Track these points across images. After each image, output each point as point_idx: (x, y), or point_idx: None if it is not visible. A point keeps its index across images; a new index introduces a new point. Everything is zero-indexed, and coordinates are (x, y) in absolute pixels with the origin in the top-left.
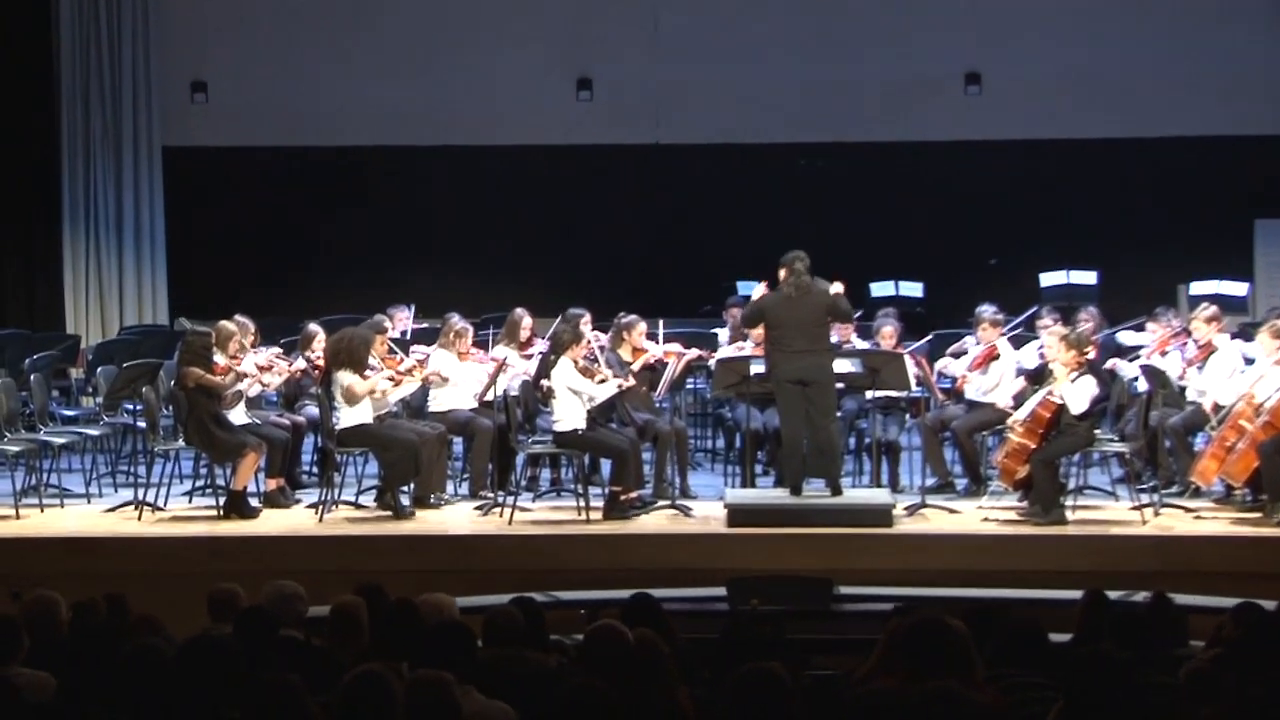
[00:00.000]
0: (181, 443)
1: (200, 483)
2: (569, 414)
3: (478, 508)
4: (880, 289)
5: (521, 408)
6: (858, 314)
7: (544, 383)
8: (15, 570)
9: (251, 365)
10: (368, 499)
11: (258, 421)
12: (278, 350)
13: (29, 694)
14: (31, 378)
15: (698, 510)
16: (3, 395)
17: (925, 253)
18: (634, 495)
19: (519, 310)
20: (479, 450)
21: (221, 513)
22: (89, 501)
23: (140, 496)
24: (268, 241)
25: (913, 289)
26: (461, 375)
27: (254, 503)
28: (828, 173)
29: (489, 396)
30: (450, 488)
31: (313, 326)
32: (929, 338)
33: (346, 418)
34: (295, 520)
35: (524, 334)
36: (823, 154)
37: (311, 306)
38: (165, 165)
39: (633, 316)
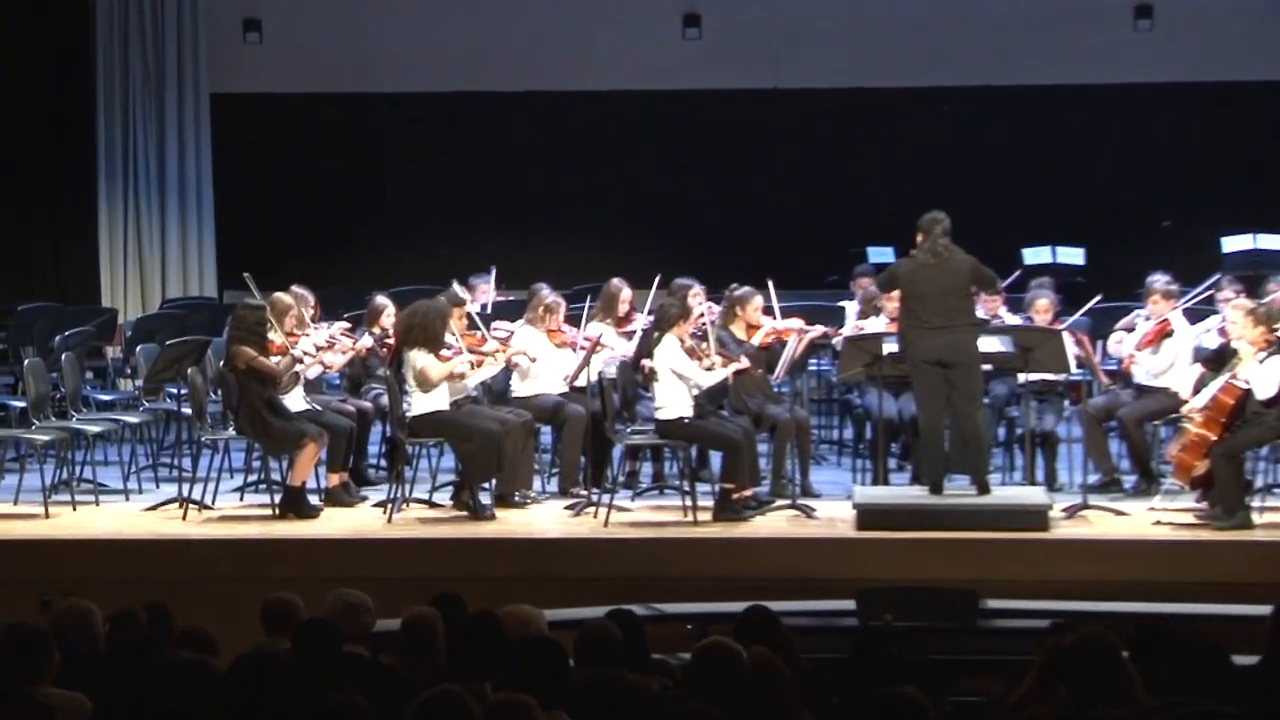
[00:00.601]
0: (232, 432)
1: (253, 477)
2: (673, 400)
3: (568, 507)
4: (1034, 255)
5: (619, 393)
6: (1006, 282)
7: (645, 364)
8: (45, 576)
9: (311, 343)
10: (443, 497)
11: (318, 408)
12: (341, 326)
13: (61, 716)
14: (62, 357)
15: (822, 511)
16: (30, 377)
17: (1086, 214)
18: (748, 493)
19: (616, 281)
20: (570, 441)
21: (277, 512)
22: (127, 498)
23: (185, 493)
24: (329, 201)
25: (1072, 255)
26: (551, 355)
27: (314, 500)
28: (972, 121)
29: (582, 380)
30: (537, 484)
31: (381, 299)
32: (1090, 311)
33: (419, 403)
34: (361, 521)
35: (622, 308)
36: (966, 100)
37: (379, 276)
38: (214, 114)
39: (747, 289)
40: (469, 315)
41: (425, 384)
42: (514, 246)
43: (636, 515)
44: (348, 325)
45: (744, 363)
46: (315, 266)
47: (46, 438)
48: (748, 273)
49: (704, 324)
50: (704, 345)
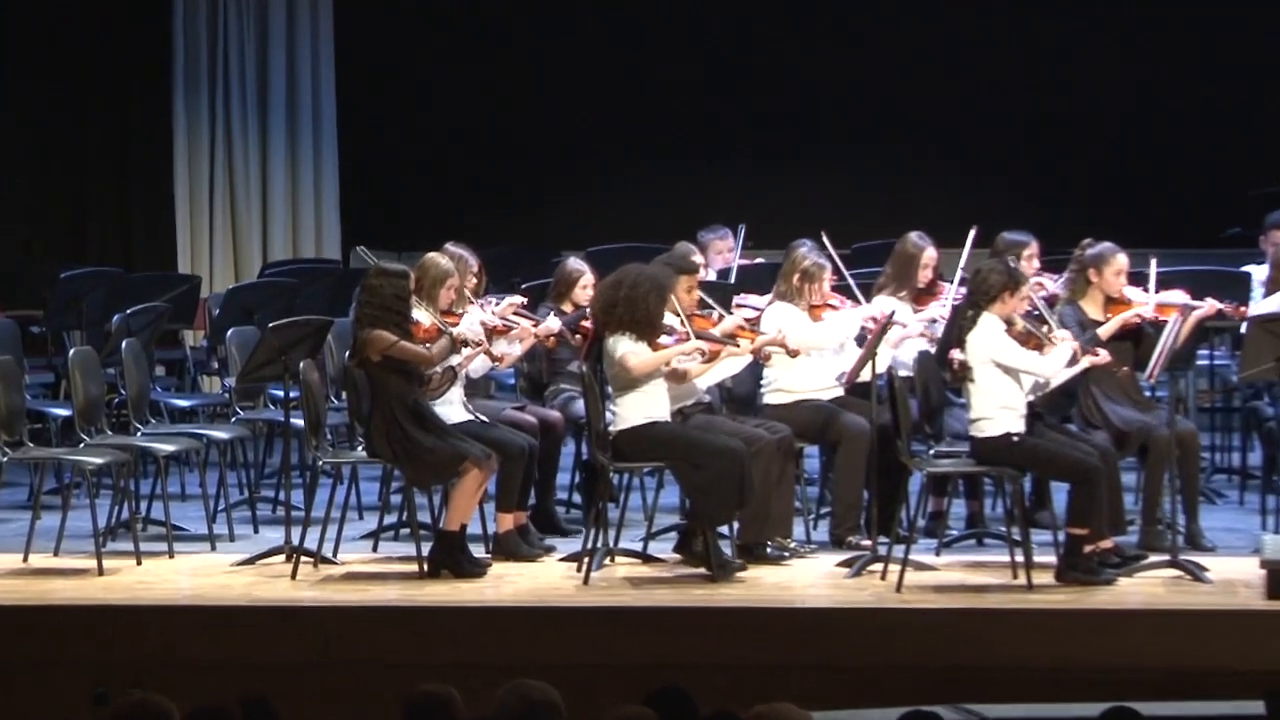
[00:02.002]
0: (361, 453)
1: (390, 519)
2: (997, 408)
3: (845, 563)
4: None
5: (919, 397)
6: None
7: (955, 356)
8: (100, 658)
9: (475, 325)
10: (663, 547)
11: (484, 419)
12: (516, 302)
13: None
14: (123, 346)
15: (1215, 570)
16: (78, 374)
17: None
18: (1108, 545)
19: (913, 237)
20: (847, 467)
21: (425, 568)
22: (213, 547)
23: (295, 540)
24: (495, 132)
25: None
26: (816, 341)
27: (478, 553)
28: None
29: (864, 376)
30: (799, 529)
31: (574, 263)
32: None
33: (629, 413)
34: (545, 581)
35: (923, 274)
36: None
37: (569, 231)
38: (337, 13)
39: (1106, 246)
40: (701, 287)
41: (631, 383)
42: (764, 188)
43: (943, 576)
44: (525, 301)
45: (1102, 354)
46: (476, 217)
47: (100, 460)
48: (1105, 226)
49: (1041, 297)
50: (1043, 328)
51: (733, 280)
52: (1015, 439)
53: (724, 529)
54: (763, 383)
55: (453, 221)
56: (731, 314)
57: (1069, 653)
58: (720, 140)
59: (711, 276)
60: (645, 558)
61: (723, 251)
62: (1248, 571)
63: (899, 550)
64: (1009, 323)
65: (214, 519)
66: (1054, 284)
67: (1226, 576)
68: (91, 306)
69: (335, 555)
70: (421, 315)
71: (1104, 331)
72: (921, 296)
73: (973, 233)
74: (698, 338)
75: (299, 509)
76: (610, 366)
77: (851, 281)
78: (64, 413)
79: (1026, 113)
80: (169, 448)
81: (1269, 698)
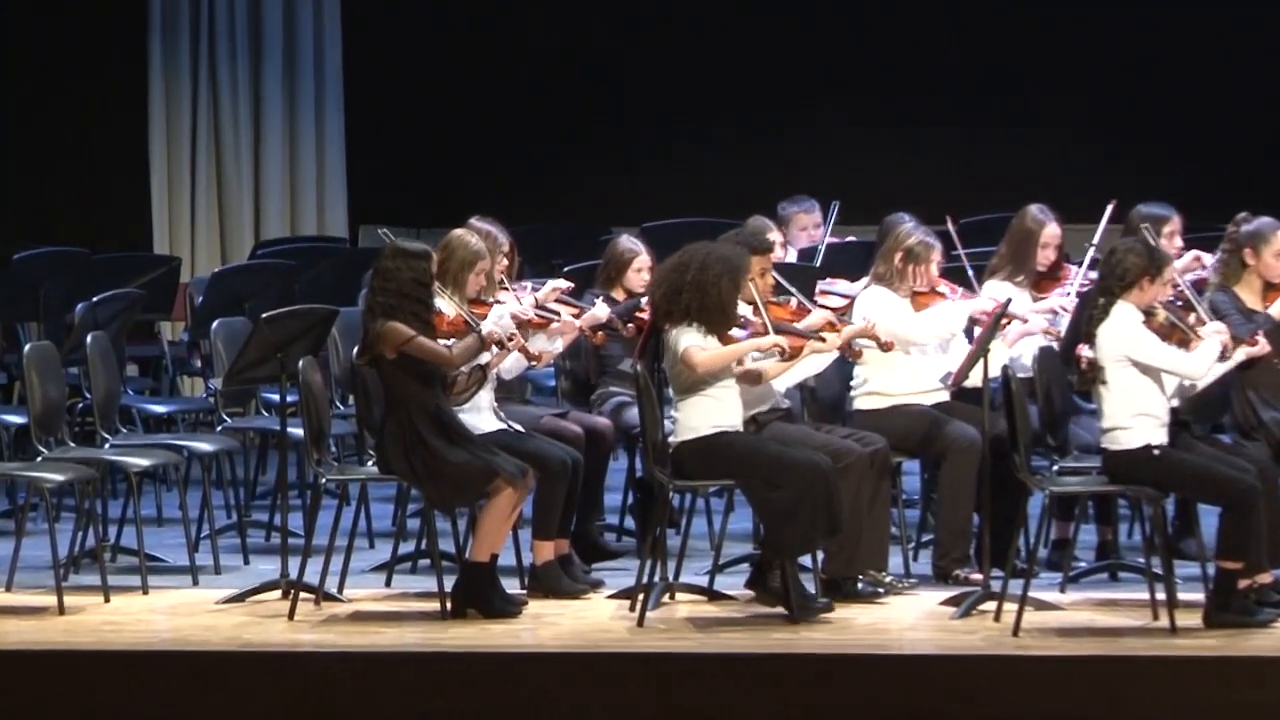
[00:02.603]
0: (373, 469)
1: (407, 547)
2: (1135, 414)
3: (950, 600)
4: None
5: (1040, 400)
6: None
7: (1084, 352)
8: (62, 713)
9: (508, 317)
10: (733, 582)
11: (519, 429)
12: (558, 287)
13: None
14: (88, 341)
15: None
16: (34, 373)
17: None
18: (1267, 579)
19: (1033, 211)
20: (954, 485)
21: (448, 607)
22: (195, 582)
23: (293, 573)
24: (532, 89)
25: None
26: (916, 335)
27: (511, 588)
28: None
29: (974, 377)
30: (896, 561)
31: (628, 241)
32: None
33: (692, 419)
34: (593, 621)
35: (1044, 255)
36: None
37: (619, 205)
38: None
39: (1265, 222)
40: (775, 269)
41: (695, 384)
42: (854, 153)
43: (1069, 616)
44: (569, 286)
45: (1261, 345)
46: (509, 189)
47: (61, 478)
48: (1260, 198)
49: (1190, 281)
50: (1189, 319)
51: (818, 262)
52: (1156, 452)
53: (806, 560)
54: (853, 384)
55: (480, 194)
56: (815, 301)
57: (1220, 709)
58: (803, 98)
59: (792, 257)
60: (711, 594)
61: (807, 227)
62: None
63: (1016, 586)
64: (1148, 313)
65: (196, 547)
66: (1205, 265)
67: None
68: (51, 294)
69: (341, 591)
70: (445, 305)
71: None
72: (1043, 282)
73: (1110, 207)
74: (776, 330)
75: (298, 536)
76: (671, 364)
77: (968, 265)
78: (18, 420)
79: (1170, 65)
80: (143, 462)
81: None
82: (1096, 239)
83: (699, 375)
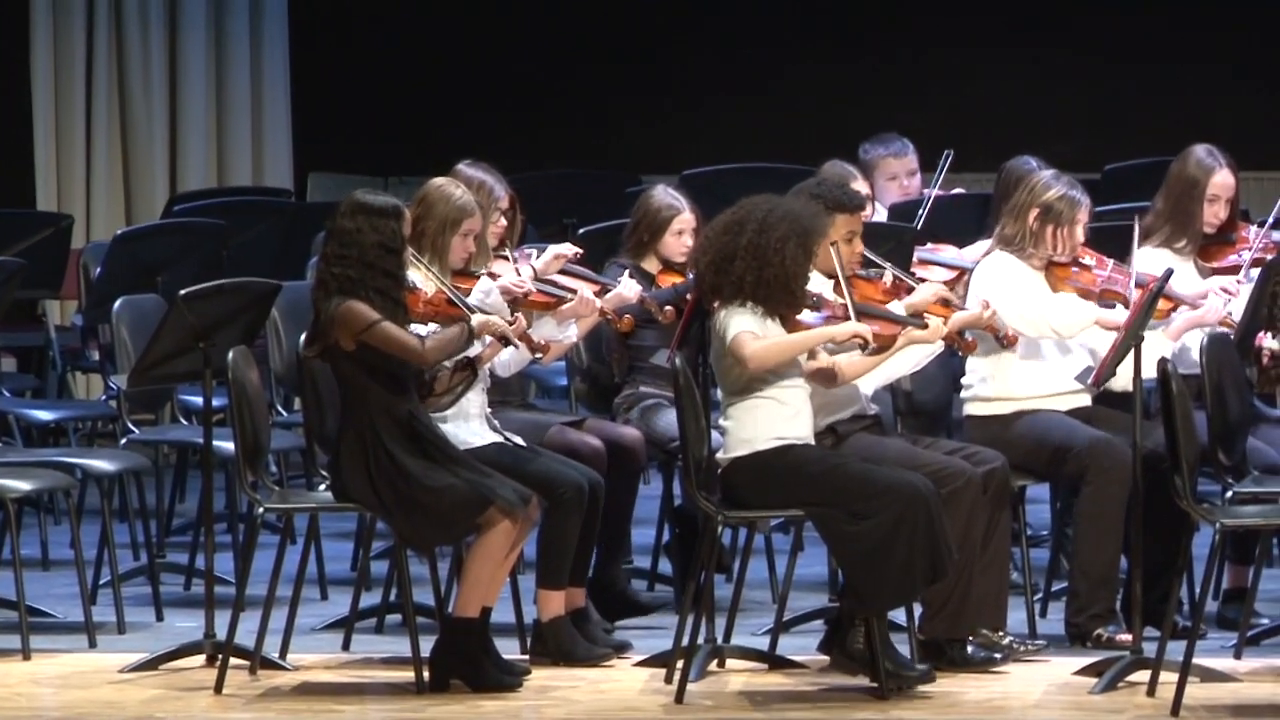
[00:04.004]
0: (326, 495)
1: (371, 599)
2: None
3: (1090, 668)
4: None
5: (1209, 406)
6: None
7: (1266, 343)
8: None
9: (495, 293)
10: (804, 642)
11: (519, 442)
12: (562, 253)
13: None
14: None
15: None
16: None
17: None
18: None
19: (1199, 154)
20: (1095, 517)
21: (426, 676)
22: (92, 643)
23: (221, 633)
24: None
25: None
26: (1050, 323)
27: (510, 652)
28: None
29: (1121, 377)
30: (1018, 615)
31: (664, 195)
32: None
33: (746, 428)
34: (617, 695)
35: (1213, 213)
36: None
37: (649, 147)
38: None
39: None
40: (861, 233)
41: (750, 383)
42: (960, 79)
43: (1247, 690)
44: (575, 253)
45: None
46: (502, 128)
47: None
48: None
49: None
50: None
51: (918, 223)
52: None
53: (899, 616)
54: (963, 385)
55: (470, 134)
56: (915, 275)
57: None
58: (894, 7)
59: (880, 215)
60: (773, 661)
61: (898, 176)
62: None
63: (1177, 650)
64: None
65: (94, 598)
66: None
67: None
68: None
69: (284, 657)
70: (421, 278)
71: None
72: (1212, 248)
73: None
74: (859, 314)
75: (227, 583)
76: (719, 357)
77: (1136, 231)
78: None
79: None
80: (23, 486)
81: None
82: None
83: (751, 370)
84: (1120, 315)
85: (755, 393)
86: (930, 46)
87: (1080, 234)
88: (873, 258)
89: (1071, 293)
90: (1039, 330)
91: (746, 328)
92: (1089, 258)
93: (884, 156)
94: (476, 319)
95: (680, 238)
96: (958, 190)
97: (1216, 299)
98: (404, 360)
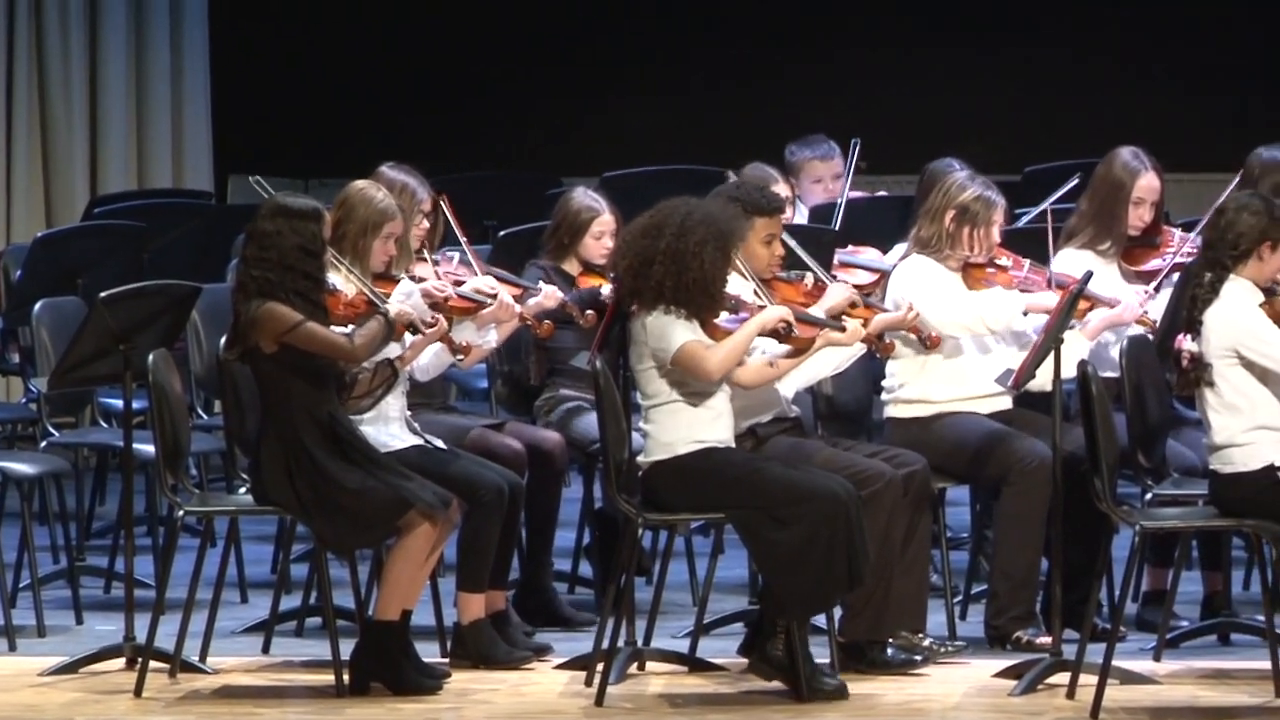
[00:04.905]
0: (246, 498)
1: (292, 601)
2: (1253, 427)
3: (1009, 670)
4: None
5: (1129, 408)
6: None
7: (1185, 345)
8: None
9: (416, 294)
10: (724, 644)
11: (440, 445)
12: (452, 255)
13: None
14: None
15: None
16: None
17: None
18: None
19: (1124, 156)
20: (1015, 520)
21: (346, 679)
22: (12, 646)
23: (141, 636)
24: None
25: None
26: (969, 322)
27: (430, 655)
28: None
29: (1041, 379)
30: (938, 617)
31: (584, 197)
32: None
33: (668, 431)
34: (537, 699)
35: (1138, 214)
36: None
37: (569, 150)
38: None
39: None
40: (785, 234)
41: (673, 384)
42: (883, 79)
43: (1167, 692)
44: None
45: None
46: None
47: None
48: None
49: None
50: None
51: (836, 224)
52: None
53: (819, 620)
54: (883, 387)
55: (391, 137)
56: (835, 277)
57: None
58: (818, 7)
59: (802, 217)
60: (693, 664)
61: (823, 178)
62: None
63: (1096, 652)
64: (1269, 293)
65: (13, 602)
66: None
67: None
68: None
69: (204, 660)
70: (342, 281)
71: None
72: (1137, 251)
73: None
74: (795, 324)
75: (147, 586)
76: (640, 360)
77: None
78: None
79: None
80: None
81: None
82: (1225, 197)
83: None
84: (1047, 299)
85: (676, 396)
86: (852, 47)
87: (996, 235)
88: (805, 258)
89: (989, 295)
90: (971, 328)
91: (691, 337)
92: (1005, 258)
93: (809, 159)
94: (393, 307)
95: (600, 240)
96: (880, 192)
97: (1133, 298)
98: (328, 361)
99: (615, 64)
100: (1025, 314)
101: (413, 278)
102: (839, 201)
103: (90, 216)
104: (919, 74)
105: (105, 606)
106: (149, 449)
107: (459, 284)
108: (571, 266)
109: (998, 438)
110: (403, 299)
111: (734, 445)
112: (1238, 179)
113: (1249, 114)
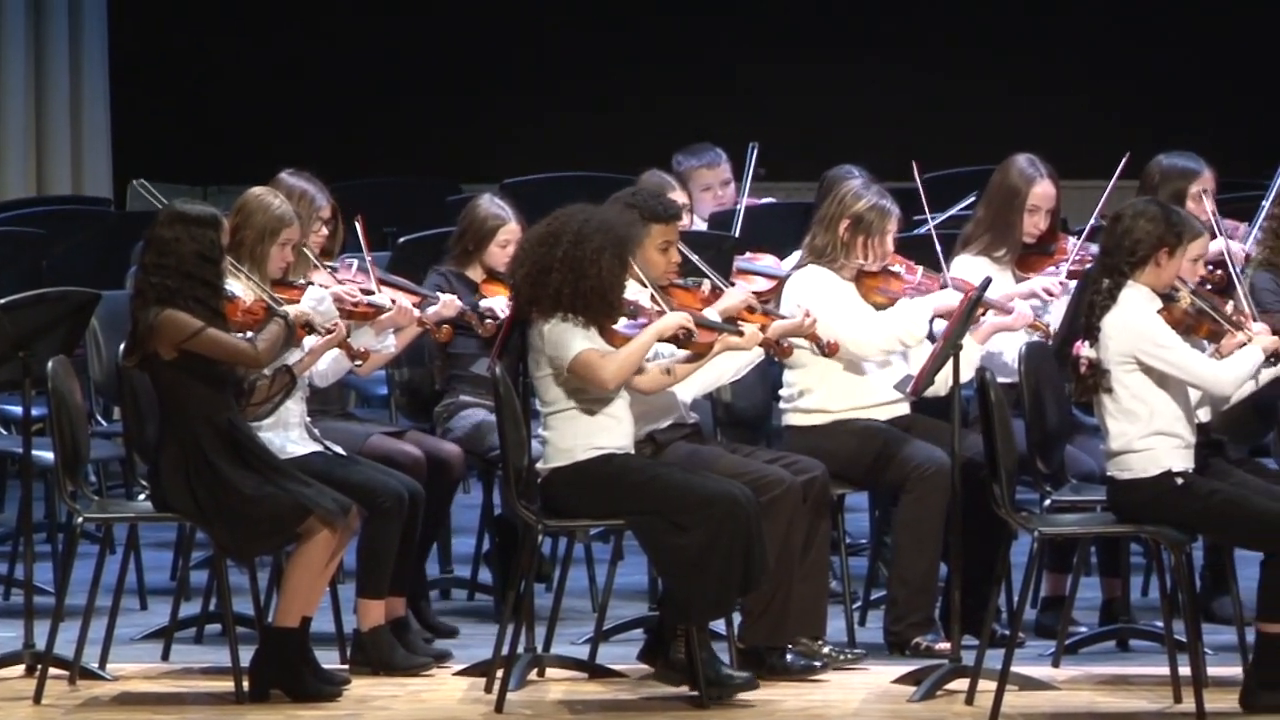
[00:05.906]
0: (146, 504)
1: (190, 607)
2: (1151, 433)
3: (908, 677)
4: None
5: (1027, 414)
6: None
7: (1083, 351)
8: None
9: (325, 303)
10: (623, 650)
11: (338, 451)
12: (351, 262)
13: None
14: None
15: None
16: None
17: None
18: None
19: (1020, 164)
20: (913, 526)
21: (246, 686)
22: None
23: (39, 643)
24: (355, 14)
25: None
26: (865, 332)
27: (329, 662)
28: None
29: (939, 384)
30: (837, 623)
31: (489, 204)
32: None
33: (567, 438)
34: (437, 705)
35: (1033, 223)
36: None
37: (472, 156)
38: None
39: None
40: (680, 241)
41: (570, 391)
42: (777, 88)
43: (1065, 698)
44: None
45: None
46: (323, 137)
47: None
48: None
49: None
50: (1226, 306)
51: (735, 231)
52: (1180, 483)
53: (719, 625)
54: (782, 393)
55: (290, 143)
56: (733, 284)
57: None
58: (712, 14)
59: (700, 225)
60: (593, 670)
61: (712, 186)
62: None
63: (995, 658)
64: (1167, 298)
65: None
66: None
67: None
68: None
69: (104, 667)
70: (240, 287)
71: None
72: (1031, 258)
73: (1124, 160)
74: (689, 328)
75: (46, 593)
76: (537, 368)
77: (935, 237)
78: None
79: None
80: None
81: None
82: (1102, 203)
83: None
84: (951, 299)
85: (574, 403)
86: (751, 55)
87: (890, 243)
88: (701, 265)
89: (883, 301)
90: (890, 348)
91: (588, 345)
92: (899, 265)
93: (696, 168)
94: (291, 308)
95: (505, 248)
96: (768, 199)
97: (1023, 304)
98: (227, 367)
99: (515, 71)
100: (932, 319)
101: (309, 284)
102: (738, 208)
103: None
104: (817, 81)
105: (4, 613)
106: (48, 456)
107: (367, 292)
108: (475, 273)
109: (896, 444)
110: (314, 304)
111: (633, 451)
112: (1139, 185)
113: (1150, 121)
